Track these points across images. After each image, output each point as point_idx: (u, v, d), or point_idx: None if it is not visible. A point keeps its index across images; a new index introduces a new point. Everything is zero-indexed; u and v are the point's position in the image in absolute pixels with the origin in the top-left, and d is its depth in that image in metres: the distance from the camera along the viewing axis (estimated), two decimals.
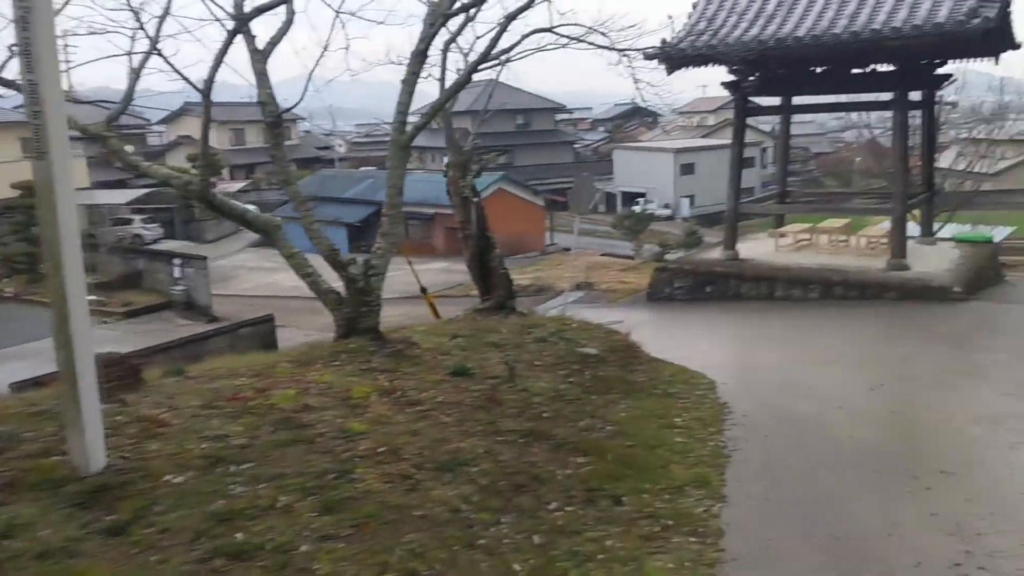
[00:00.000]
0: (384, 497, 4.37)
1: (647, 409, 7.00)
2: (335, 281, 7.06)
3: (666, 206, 57.71)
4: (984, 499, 5.26)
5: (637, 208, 44.80)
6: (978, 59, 14.98)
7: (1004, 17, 13.39)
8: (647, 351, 8.95)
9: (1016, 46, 14.86)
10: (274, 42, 6.89)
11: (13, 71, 5.72)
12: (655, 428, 6.52)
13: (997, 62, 15.33)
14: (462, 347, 7.35)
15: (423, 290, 11.45)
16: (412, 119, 7.57)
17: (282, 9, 6.91)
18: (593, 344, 8.28)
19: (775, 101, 17.04)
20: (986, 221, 24.73)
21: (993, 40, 13.54)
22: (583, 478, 5.22)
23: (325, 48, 6.73)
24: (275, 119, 6.66)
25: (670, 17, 12.86)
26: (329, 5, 7.11)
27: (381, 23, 8.15)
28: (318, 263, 6.91)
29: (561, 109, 72.84)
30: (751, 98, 16.36)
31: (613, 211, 54.91)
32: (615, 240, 41.24)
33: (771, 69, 14.57)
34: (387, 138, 8.06)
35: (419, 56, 6.69)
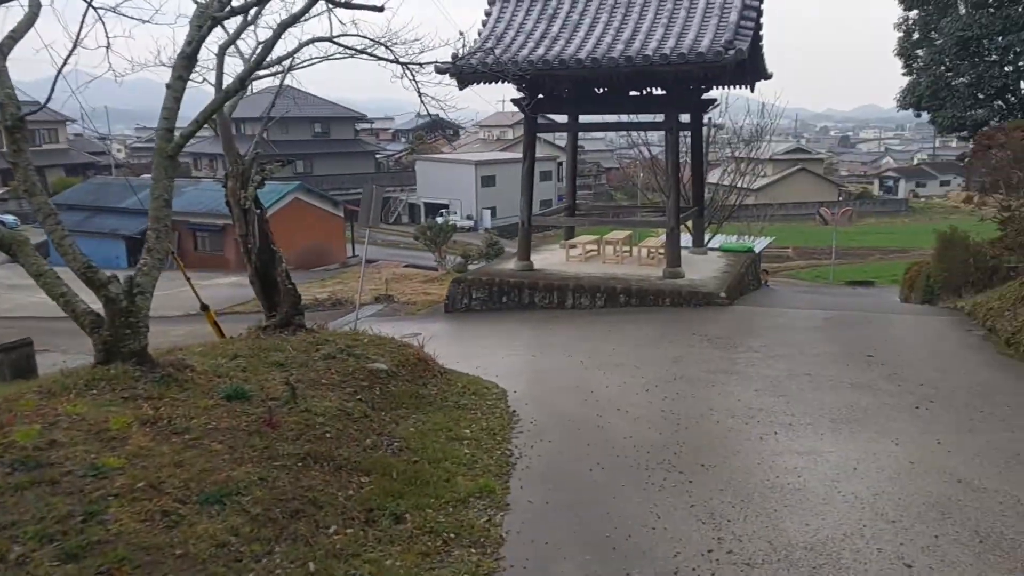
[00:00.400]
0: (139, 538, 4.01)
1: (436, 423, 7.01)
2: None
3: (469, 217, 58.88)
4: (735, 488, 5.79)
5: (440, 219, 45.19)
6: (738, 87, 16.73)
7: (756, 51, 15.02)
8: (441, 363, 8.99)
9: (768, 76, 16.75)
10: (15, 36, 6.17)
11: None
12: (443, 441, 6.54)
13: (752, 90, 17.20)
14: (242, 368, 6.95)
15: (204, 307, 10.73)
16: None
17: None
18: (384, 359, 8.16)
19: (563, 118, 17.92)
20: (749, 232, 27.48)
21: (748, 71, 15.14)
22: (365, 498, 5.11)
23: (75, 45, 6.12)
24: (16, 122, 5.95)
25: (461, 33, 13.13)
26: None
27: (147, 22, 7.57)
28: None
29: (362, 119, 72.01)
30: (544, 114, 17.08)
31: (417, 222, 55.06)
32: (420, 252, 41.35)
33: (557, 88, 15.29)
34: None
35: (186, 60, 6.26)
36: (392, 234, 54.11)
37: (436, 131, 79.92)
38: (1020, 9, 21.87)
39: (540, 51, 13.97)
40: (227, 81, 8.03)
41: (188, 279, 10.78)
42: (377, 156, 74.34)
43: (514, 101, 15.59)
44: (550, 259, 17.49)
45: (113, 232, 35.90)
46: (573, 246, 17.57)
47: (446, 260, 36.13)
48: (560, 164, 59.84)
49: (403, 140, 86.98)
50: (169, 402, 5.62)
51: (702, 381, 8.92)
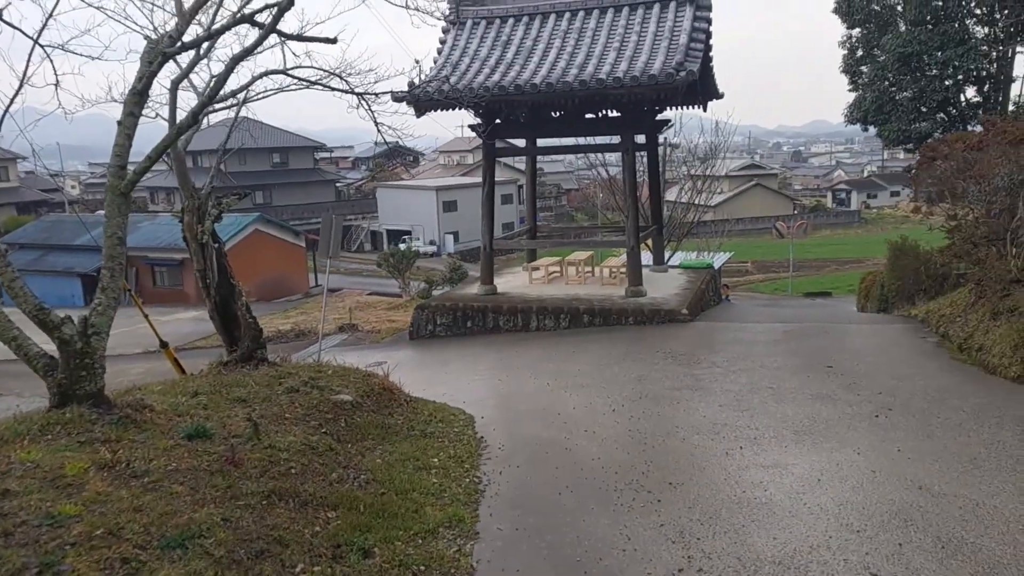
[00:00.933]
0: None
1: (403, 453, 6.95)
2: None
3: (431, 243, 58.87)
4: (703, 505, 5.83)
5: (403, 246, 45.09)
6: (691, 107, 17.04)
7: (707, 72, 15.34)
8: (407, 392, 8.93)
9: (720, 96, 17.10)
10: None
11: None
12: (411, 471, 6.48)
13: (705, 109, 17.54)
14: (203, 406, 6.83)
15: (163, 344, 10.53)
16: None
17: None
18: (349, 390, 8.09)
19: (521, 142, 18.08)
20: (708, 248, 27.90)
21: (700, 91, 15.45)
22: (332, 534, 5.03)
23: (22, 83, 6.03)
24: None
25: (417, 62, 13.24)
26: (26, 34, 6.38)
27: (97, 58, 7.50)
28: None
29: (321, 147, 71.78)
30: (502, 139, 17.22)
31: (380, 249, 54.88)
32: (384, 279, 41.16)
33: (514, 113, 15.45)
34: None
35: (137, 96, 6.20)
36: (355, 262, 53.82)
37: (396, 158, 79.94)
38: (956, 25, 22.71)
39: (495, 77, 14.11)
40: (181, 115, 7.97)
41: (146, 316, 10.58)
42: (337, 185, 74.09)
43: (471, 127, 15.70)
44: (513, 282, 17.54)
45: (68, 270, 35.18)
46: (536, 268, 17.65)
47: (410, 286, 36.00)
48: (521, 187, 60.10)
49: (363, 168, 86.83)
50: (127, 444, 5.49)
51: (667, 398, 8.99)
